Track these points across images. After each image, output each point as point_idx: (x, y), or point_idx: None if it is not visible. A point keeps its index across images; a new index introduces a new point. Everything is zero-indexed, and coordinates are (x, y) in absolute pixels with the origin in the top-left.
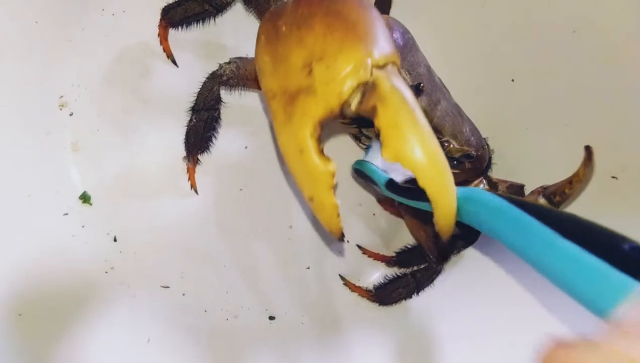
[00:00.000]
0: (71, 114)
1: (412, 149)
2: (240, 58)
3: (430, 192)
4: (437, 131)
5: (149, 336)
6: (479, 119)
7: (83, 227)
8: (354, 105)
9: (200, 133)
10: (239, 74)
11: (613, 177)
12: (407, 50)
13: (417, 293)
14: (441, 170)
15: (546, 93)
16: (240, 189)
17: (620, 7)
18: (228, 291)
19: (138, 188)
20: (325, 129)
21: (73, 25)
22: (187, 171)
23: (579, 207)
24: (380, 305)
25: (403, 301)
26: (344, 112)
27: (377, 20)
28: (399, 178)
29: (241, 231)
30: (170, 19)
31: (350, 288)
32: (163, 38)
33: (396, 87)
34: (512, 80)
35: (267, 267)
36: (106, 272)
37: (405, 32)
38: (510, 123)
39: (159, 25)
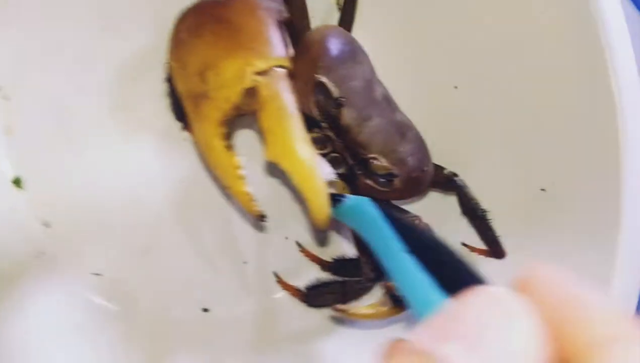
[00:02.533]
0: (5, 98)
1: (284, 154)
2: None
3: (301, 192)
4: (363, 147)
5: (75, 322)
6: (420, 125)
7: (14, 211)
8: (244, 107)
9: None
10: None
11: (542, 190)
12: (339, 62)
13: (344, 303)
14: (309, 175)
15: (486, 103)
16: (179, 180)
17: (556, 26)
18: (161, 281)
19: (73, 175)
20: None
21: (11, 5)
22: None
23: (510, 216)
24: (308, 306)
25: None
26: (241, 111)
27: (264, 25)
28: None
29: (178, 222)
30: None
31: (282, 286)
32: None
33: (274, 93)
34: (455, 87)
35: (203, 259)
36: (36, 257)
37: (344, 44)
38: (450, 130)
39: None
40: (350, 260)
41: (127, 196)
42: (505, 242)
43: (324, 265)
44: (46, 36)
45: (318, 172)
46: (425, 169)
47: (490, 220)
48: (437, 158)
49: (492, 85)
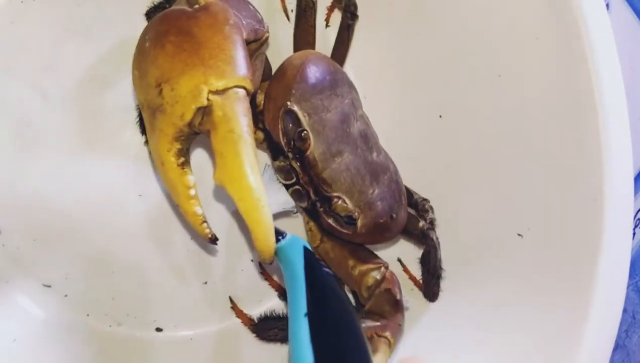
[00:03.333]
0: None
1: (231, 180)
2: None
3: (246, 221)
4: (327, 184)
5: (16, 335)
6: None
7: None
8: (197, 126)
9: None
10: None
11: (519, 235)
12: (315, 91)
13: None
14: (254, 205)
15: (470, 133)
16: (140, 195)
17: (539, 59)
18: (115, 297)
19: (27, 183)
20: None
21: None
22: None
23: (485, 258)
24: (257, 338)
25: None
26: (192, 129)
27: (228, 42)
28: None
29: (136, 237)
30: None
31: (235, 312)
32: None
33: (228, 115)
34: (440, 116)
35: (161, 278)
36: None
37: (325, 73)
38: (433, 160)
39: None
40: None
41: (85, 208)
42: (475, 281)
43: (282, 293)
44: (10, 38)
45: (263, 203)
46: (394, 216)
47: (441, 279)
48: (416, 188)
49: (476, 116)
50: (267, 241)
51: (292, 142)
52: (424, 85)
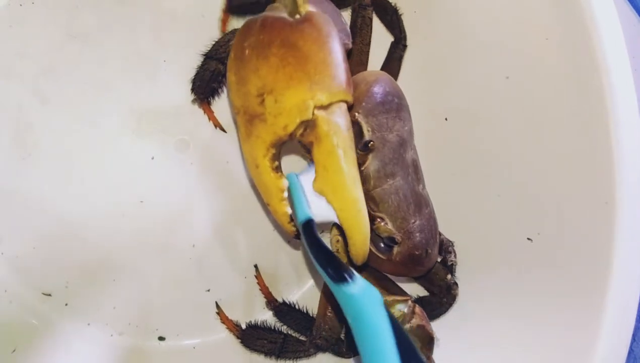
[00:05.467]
0: None
1: (334, 191)
2: None
3: (346, 229)
4: (374, 202)
5: (16, 345)
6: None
7: None
8: (298, 136)
9: (206, 81)
10: None
11: (528, 239)
12: (382, 110)
13: (277, 358)
14: (356, 216)
15: (477, 136)
16: (141, 201)
17: (548, 60)
18: (116, 306)
19: (26, 192)
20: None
21: None
22: (205, 113)
23: (497, 263)
24: (242, 345)
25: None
26: (292, 138)
27: (332, 56)
28: (319, 218)
29: (137, 245)
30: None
31: (220, 318)
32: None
33: (333, 130)
34: (446, 119)
35: (162, 286)
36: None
37: (394, 95)
38: (440, 163)
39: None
40: (301, 313)
41: (85, 214)
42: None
43: (270, 302)
44: (9, 42)
45: (365, 214)
46: (429, 251)
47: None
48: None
49: (483, 118)
50: (363, 248)
51: None
52: (430, 87)
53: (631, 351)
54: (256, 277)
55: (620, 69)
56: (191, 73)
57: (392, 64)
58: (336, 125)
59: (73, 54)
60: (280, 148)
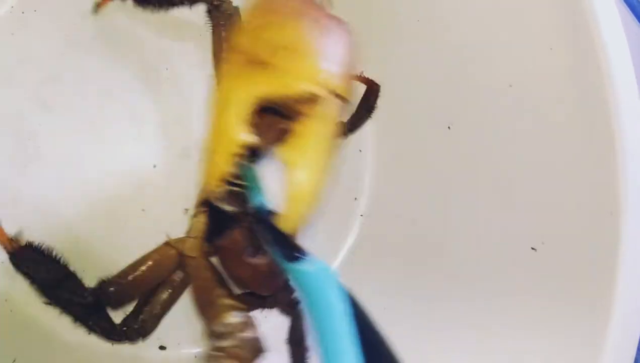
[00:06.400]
0: None
1: (293, 161)
2: None
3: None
4: None
5: (16, 355)
6: (413, 163)
7: None
8: (291, 100)
9: None
10: None
11: (532, 249)
12: None
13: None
14: (307, 188)
15: (480, 145)
16: (142, 209)
17: (553, 69)
18: (116, 316)
19: (29, 199)
20: None
21: None
22: None
23: (498, 273)
24: (10, 261)
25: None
26: (284, 103)
27: (348, 56)
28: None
29: (138, 253)
30: None
31: None
32: None
33: (328, 118)
34: (449, 127)
35: None
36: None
37: None
38: (442, 171)
39: None
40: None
41: (86, 222)
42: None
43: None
44: (11, 49)
45: (315, 194)
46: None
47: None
48: (425, 200)
49: (486, 126)
50: (297, 219)
51: None
52: (433, 95)
53: (636, 361)
54: None
55: (626, 80)
56: (194, 81)
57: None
58: (332, 114)
59: (75, 62)
60: (260, 113)
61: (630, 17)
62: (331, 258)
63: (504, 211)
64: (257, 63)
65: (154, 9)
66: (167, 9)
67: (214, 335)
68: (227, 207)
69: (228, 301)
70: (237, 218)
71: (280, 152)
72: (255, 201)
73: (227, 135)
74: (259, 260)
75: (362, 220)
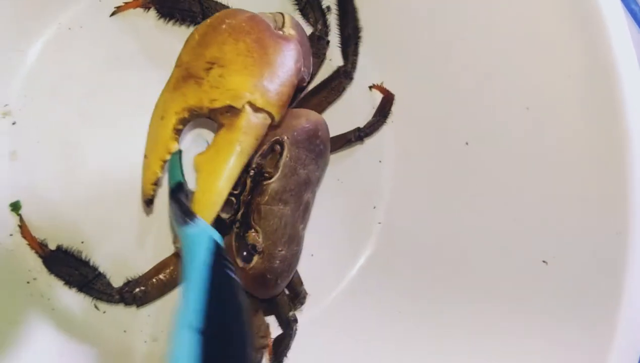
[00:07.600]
0: (14, 123)
1: (209, 174)
2: None
3: (195, 209)
4: (258, 214)
5: (61, 351)
6: (430, 178)
7: (11, 235)
8: (216, 114)
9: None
10: None
11: (544, 262)
12: (306, 146)
13: (78, 291)
14: (212, 204)
15: (496, 160)
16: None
17: (569, 97)
18: (150, 314)
19: (71, 204)
20: None
21: (26, 35)
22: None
23: (507, 283)
24: (44, 264)
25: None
26: (208, 114)
27: (286, 78)
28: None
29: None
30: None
31: (23, 233)
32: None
33: (246, 129)
34: (467, 143)
35: None
36: (28, 282)
37: (323, 142)
38: (459, 186)
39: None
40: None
41: (125, 229)
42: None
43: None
44: (57, 65)
45: (216, 211)
46: (279, 282)
47: None
48: (440, 212)
49: (502, 144)
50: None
51: (262, 165)
52: (451, 111)
53: None
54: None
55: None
56: None
57: (331, 94)
58: (251, 128)
59: (116, 78)
60: (192, 119)
61: (633, 26)
62: (351, 264)
63: (517, 225)
64: (192, 77)
65: (177, 22)
66: (189, 24)
67: None
68: (222, 214)
69: None
70: (230, 225)
71: (195, 157)
72: (173, 180)
73: (158, 141)
74: (252, 265)
75: (380, 228)
